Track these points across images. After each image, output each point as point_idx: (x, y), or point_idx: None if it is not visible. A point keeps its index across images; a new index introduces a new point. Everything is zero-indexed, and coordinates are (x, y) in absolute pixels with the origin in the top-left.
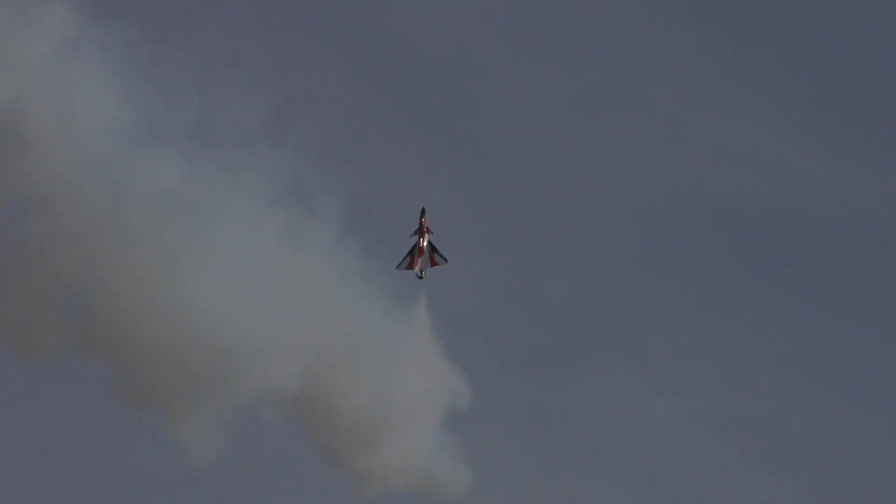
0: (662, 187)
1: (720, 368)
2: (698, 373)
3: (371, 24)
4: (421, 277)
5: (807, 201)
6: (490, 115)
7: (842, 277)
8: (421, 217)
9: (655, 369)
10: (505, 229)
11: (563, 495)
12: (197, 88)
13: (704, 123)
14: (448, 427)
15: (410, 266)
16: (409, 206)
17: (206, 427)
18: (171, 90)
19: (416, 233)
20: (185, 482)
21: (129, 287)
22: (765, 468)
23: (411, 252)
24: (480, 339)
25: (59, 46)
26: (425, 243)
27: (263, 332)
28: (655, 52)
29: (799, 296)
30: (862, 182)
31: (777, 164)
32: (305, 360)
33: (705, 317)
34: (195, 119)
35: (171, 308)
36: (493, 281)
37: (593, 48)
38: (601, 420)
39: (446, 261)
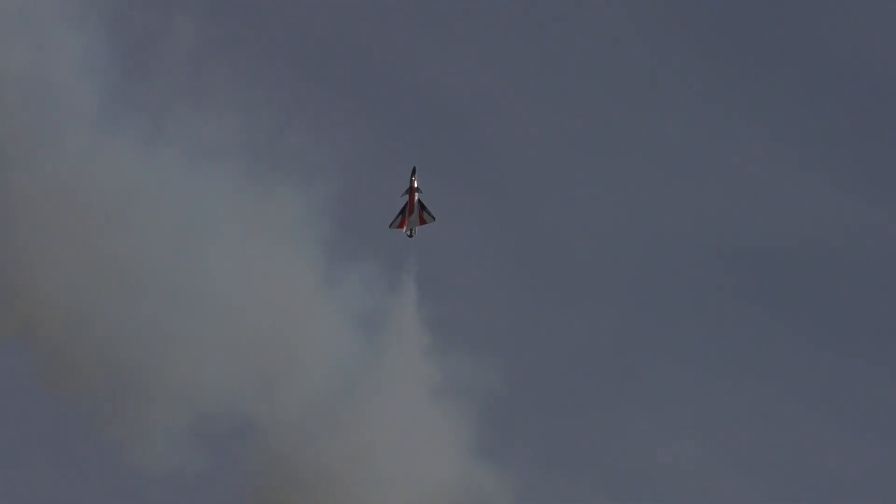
0: (680, 227)
1: (740, 407)
2: (718, 412)
3: (388, 69)
4: (411, 236)
5: (825, 241)
6: (505, 157)
7: (863, 317)
8: (411, 176)
9: (673, 408)
10: (521, 270)
11: None
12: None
13: (721, 163)
14: (460, 468)
15: (402, 225)
16: (426, 245)
17: (155, 435)
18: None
19: (406, 192)
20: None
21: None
22: None
23: (402, 211)
24: (495, 379)
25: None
26: (416, 201)
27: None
28: (671, 93)
29: (818, 335)
30: (882, 222)
31: (795, 203)
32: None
33: (723, 356)
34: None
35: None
36: (509, 320)
37: (609, 91)
38: (619, 460)
39: (434, 219)
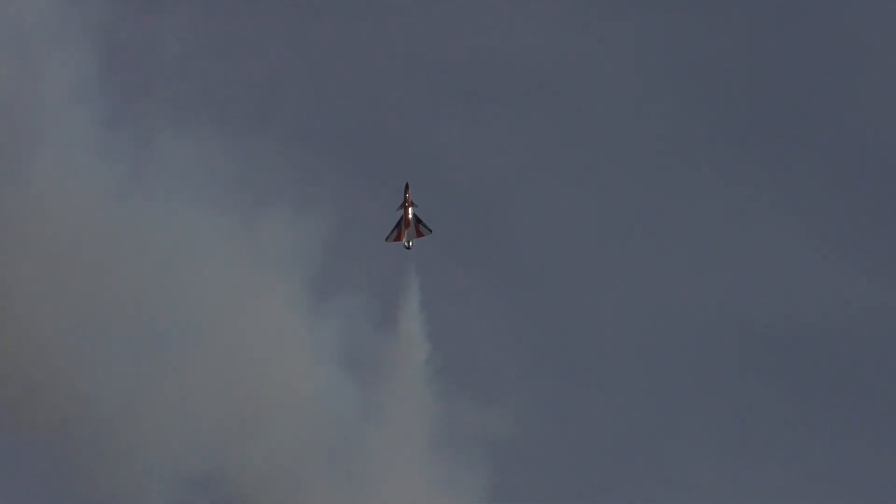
0: (700, 309)
1: (763, 492)
2: (741, 499)
3: (407, 152)
4: (408, 248)
5: (848, 322)
6: (524, 242)
7: (887, 399)
8: (405, 192)
9: (696, 495)
10: (540, 356)
11: None
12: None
13: (741, 244)
14: None
15: (398, 238)
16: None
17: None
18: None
19: (401, 206)
20: None
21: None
22: None
23: (398, 225)
24: (518, 468)
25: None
26: (411, 216)
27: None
28: (685, 173)
29: (842, 418)
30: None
31: (817, 283)
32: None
33: (746, 440)
34: None
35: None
36: (530, 408)
37: (626, 173)
38: None
39: (430, 231)
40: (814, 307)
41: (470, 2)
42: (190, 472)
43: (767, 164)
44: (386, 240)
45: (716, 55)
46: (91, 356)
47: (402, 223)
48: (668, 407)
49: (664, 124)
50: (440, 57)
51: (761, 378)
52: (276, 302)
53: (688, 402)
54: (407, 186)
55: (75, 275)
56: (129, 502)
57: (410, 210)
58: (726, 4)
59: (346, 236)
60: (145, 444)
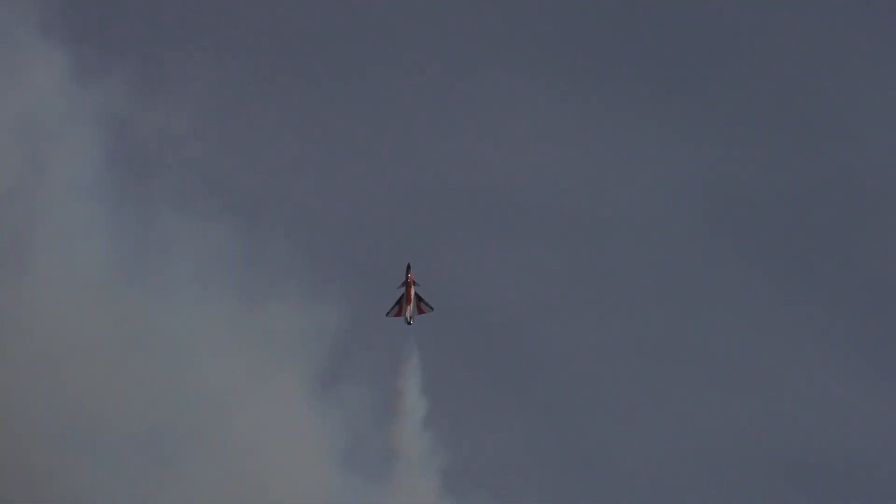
0: (733, 436)
1: None
2: None
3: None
4: (410, 323)
5: (884, 451)
6: (552, 365)
7: None
8: (407, 273)
9: None
10: (569, 481)
11: None
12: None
13: (773, 370)
14: None
15: (399, 313)
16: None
17: None
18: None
19: (403, 285)
20: None
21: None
22: None
23: (399, 301)
24: None
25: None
26: (413, 294)
27: None
28: (716, 302)
29: None
30: None
31: (854, 413)
32: None
33: None
34: None
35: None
36: None
37: (657, 298)
38: None
39: (433, 309)
40: (851, 439)
41: (491, 125)
42: None
43: (800, 291)
44: (387, 315)
45: (741, 179)
46: (85, 454)
47: (404, 299)
48: None
49: (689, 250)
50: (455, 176)
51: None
52: (281, 395)
53: None
54: (409, 267)
55: (70, 366)
56: None
57: (413, 288)
58: (747, 128)
59: (353, 327)
60: None
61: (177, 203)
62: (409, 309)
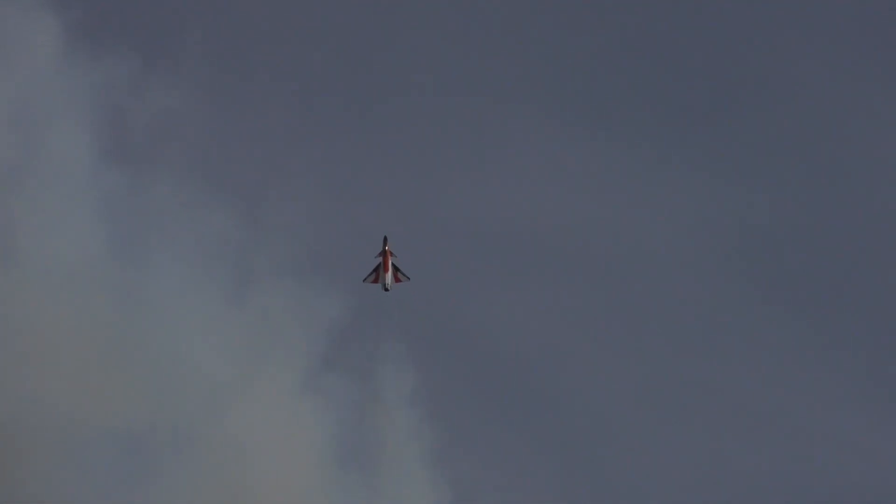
0: (762, 478)
1: None
2: None
3: (447, 315)
4: (387, 290)
5: None
6: (573, 407)
7: None
8: (384, 245)
9: None
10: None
11: None
12: None
13: (802, 413)
14: None
15: (375, 280)
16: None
17: None
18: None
19: (380, 254)
20: None
21: None
22: None
23: (376, 269)
24: None
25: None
26: (390, 264)
27: None
28: (739, 345)
29: None
30: None
31: (874, 453)
32: None
33: None
34: None
35: None
36: None
37: (679, 335)
38: None
39: (409, 279)
40: (871, 479)
41: (514, 165)
42: None
43: (824, 334)
44: (363, 280)
45: (761, 220)
46: (73, 452)
47: (381, 268)
48: None
49: (716, 292)
50: (476, 214)
51: None
52: (272, 395)
53: None
54: (385, 240)
55: (59, 360)
56: None
57: (390, 259)
58: (767, 168)
59: (345, 326)
60: None
61: (173, 189)
62: (387, 277)
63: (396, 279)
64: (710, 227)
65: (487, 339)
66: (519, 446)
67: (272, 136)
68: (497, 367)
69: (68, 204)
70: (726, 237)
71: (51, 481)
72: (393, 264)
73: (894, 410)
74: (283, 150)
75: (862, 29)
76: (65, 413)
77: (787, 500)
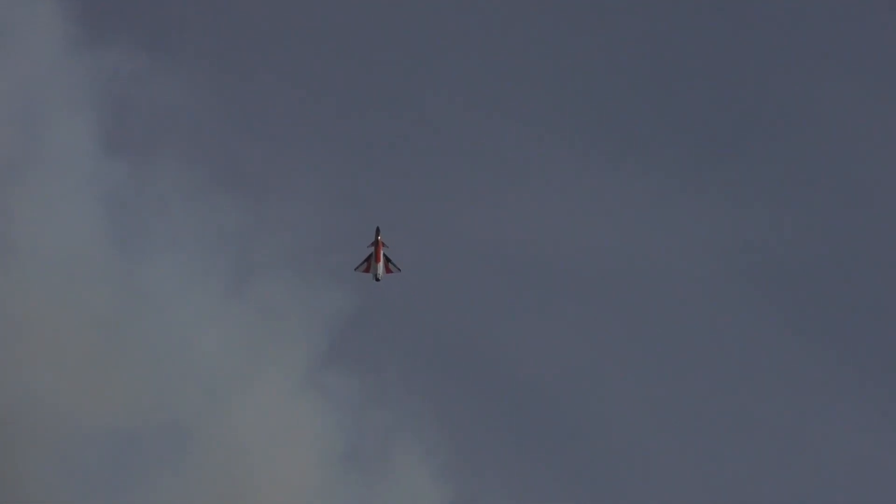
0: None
1: None
2: None
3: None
4: (378, 280)
5: None
6: (589, 425)
7: None
8: (376, 235)
9: None
10: None
11: None
12: None
13: (819, 434)
14: None
15: (367, 269)
16: None
17: None
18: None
19: (372, 244)
20: None
21: None
22: None
23: (367, 259)
24: None
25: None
26: (382, 255)
27: None
28: (765, 369)
29: None
30: None
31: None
32: None
33: None
34: None
35: None
36: None
37: (695, 359)
38: None
39: (400, 270)
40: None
41: (530, 190)
42: None
43: (834, 351)
44: (355, 269)
45: (777, 243)
46: (71, 451)
47: (373, 258)
48: None
49: (722, 314)
50: (490, 238)
51: None
52: (272, 392)
53: None
54: (378, 230)
55: (61, 353)
56: None
57: (382, 249)
58: (782, 192)
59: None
60: None
61: (175, 182)
62: (379, 267)
63: (388, 270)
64: (730, 255)
65: (495, 351)
66: (521, 446)
67: (274, 129)
68: (504, 375)
69: (69, 196)
70: (747, 264)
71: (48, 480)
72: (385, 255)
73: None
74: (284, 143)
75: (882, 55)
76: (63, 410)
77: None
